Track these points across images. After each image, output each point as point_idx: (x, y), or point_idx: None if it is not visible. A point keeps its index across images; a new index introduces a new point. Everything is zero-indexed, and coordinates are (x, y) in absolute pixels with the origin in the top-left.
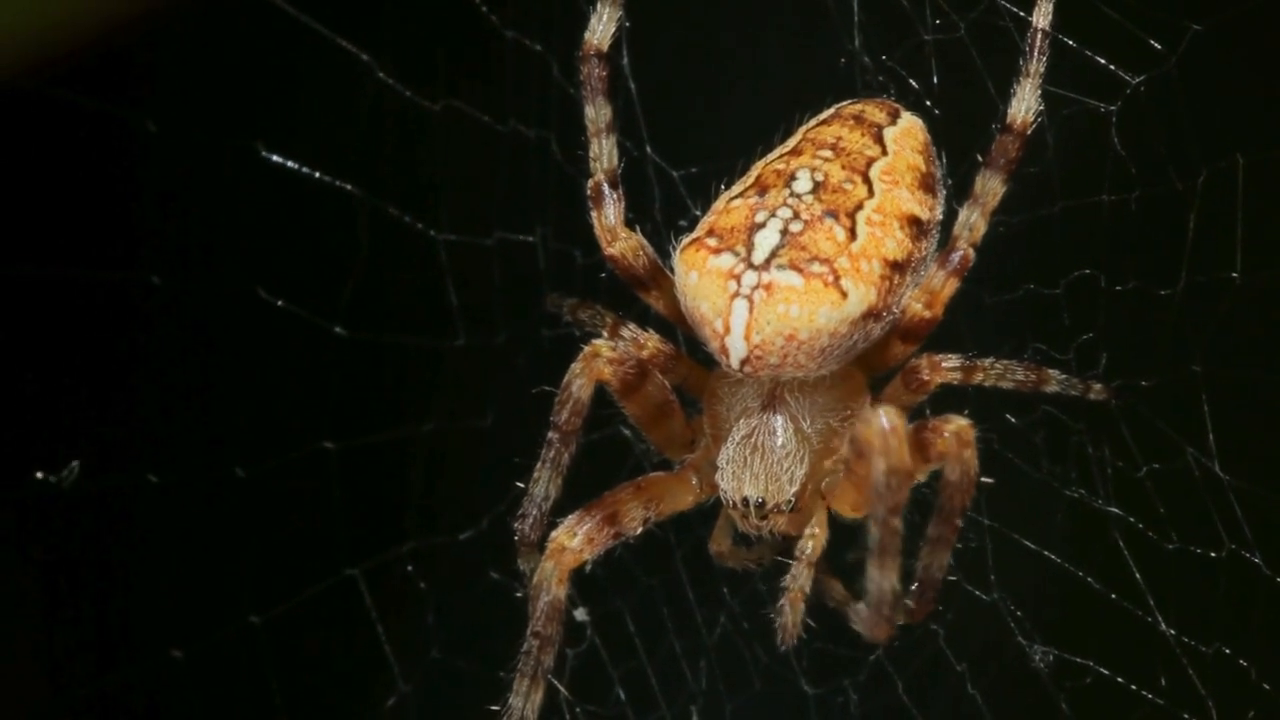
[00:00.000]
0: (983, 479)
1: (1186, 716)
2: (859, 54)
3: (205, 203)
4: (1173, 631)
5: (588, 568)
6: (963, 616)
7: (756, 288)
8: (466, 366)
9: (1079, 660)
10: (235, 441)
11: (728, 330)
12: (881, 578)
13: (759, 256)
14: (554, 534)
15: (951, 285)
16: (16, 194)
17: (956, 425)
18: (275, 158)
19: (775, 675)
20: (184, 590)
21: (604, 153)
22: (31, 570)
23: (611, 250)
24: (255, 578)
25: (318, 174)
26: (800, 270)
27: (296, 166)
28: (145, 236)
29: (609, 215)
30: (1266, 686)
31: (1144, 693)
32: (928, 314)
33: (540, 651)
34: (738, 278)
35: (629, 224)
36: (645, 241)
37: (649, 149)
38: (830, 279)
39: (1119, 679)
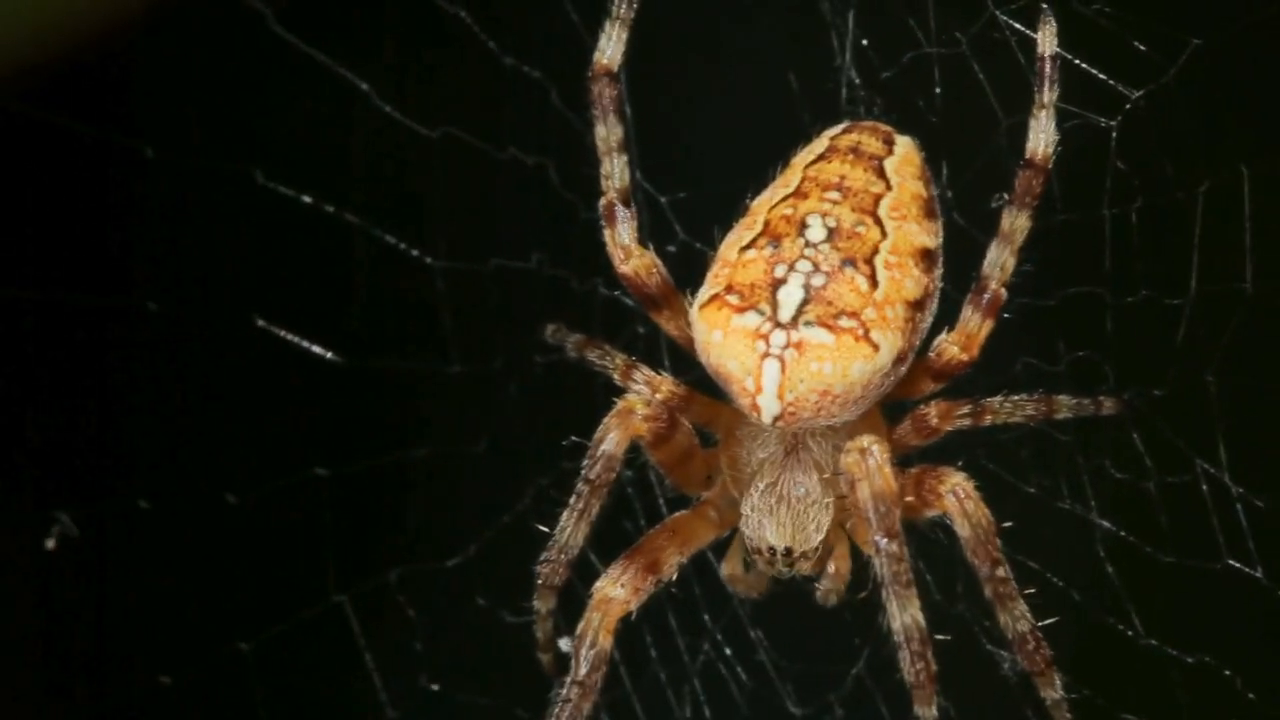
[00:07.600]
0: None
1: None
2: (847, 69)
3: (202, 229)
4: (1154, 642)
5: (633, 616)
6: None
7: (787, 347)
8: (461, 392)
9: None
10: (227, 467)
11: (759, 390)
12: (900, 611)
13: (785, 315)
14: (598, 585)
15: (988, 326)
16: (10, 216)
17: (953, 483)
18: (273, 185)
19: (760, 698)
20: (173, 616)
21: (615, 171)
22: (21, 594)
23: (624, 268)
24: (244, 604)
25: (309, 199)
26: (829, 326)
27: (294, 194)
28: (141, 262)
29: (622, 233)
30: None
31: (1121, 704)
32: (965, 357)
33: (581, 700)
34: (765, 337)
35: (642, 242)
36: (658, 260)
37: (637, 174)
38: (860, 333)
39: (1087, 691)
